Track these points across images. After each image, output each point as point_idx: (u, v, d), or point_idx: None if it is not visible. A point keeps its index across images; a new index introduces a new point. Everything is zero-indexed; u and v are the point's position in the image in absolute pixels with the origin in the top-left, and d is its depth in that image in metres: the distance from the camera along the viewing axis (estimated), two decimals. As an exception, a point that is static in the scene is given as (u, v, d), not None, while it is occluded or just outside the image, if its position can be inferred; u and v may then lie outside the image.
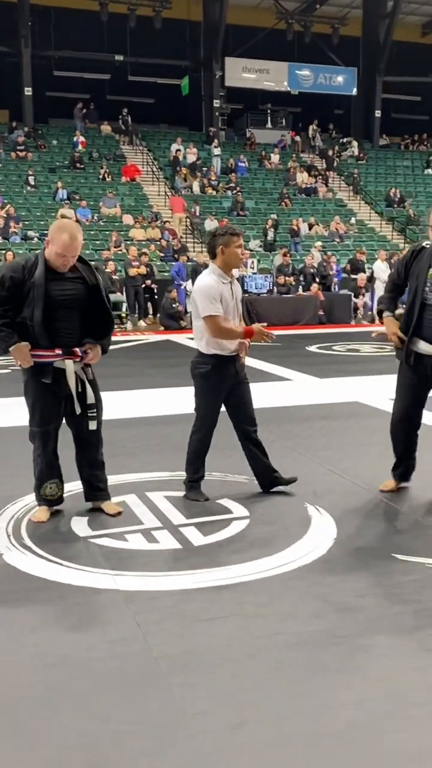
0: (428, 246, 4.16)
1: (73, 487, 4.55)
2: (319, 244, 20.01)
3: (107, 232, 20.13)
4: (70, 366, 3.90)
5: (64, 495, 4.17)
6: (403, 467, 4.48)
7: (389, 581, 3.25)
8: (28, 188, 22.22)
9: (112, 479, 4.66)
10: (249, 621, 2.92)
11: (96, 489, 4.15)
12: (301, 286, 17.16)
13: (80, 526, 3.94)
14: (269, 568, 3.40)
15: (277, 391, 7.88)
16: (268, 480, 4.45)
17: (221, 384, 4.29)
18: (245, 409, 4.38)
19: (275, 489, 4.45)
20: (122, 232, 20.28)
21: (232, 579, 3.29)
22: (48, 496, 4.06)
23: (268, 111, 29.56)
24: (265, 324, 4.30)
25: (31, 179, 22.29)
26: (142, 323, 15.97)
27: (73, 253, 3.83)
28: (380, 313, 4.45)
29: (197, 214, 22.10)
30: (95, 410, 4.05)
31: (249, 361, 9.76)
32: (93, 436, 4.10)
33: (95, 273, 4.04)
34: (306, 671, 2.58)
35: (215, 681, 2.52)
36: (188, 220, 22.03)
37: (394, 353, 4.43)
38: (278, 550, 3.60)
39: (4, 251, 18.08)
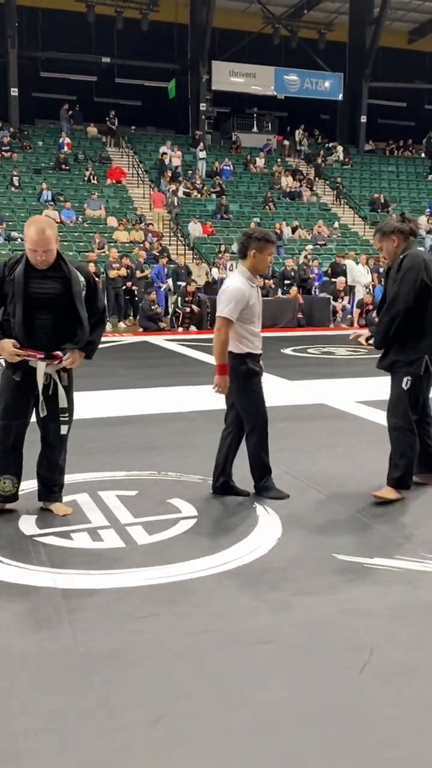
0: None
1: (27, 486, 4.56)
2: (309, 247, 20.13)
3: (91, 234, 20.13)
4: (40, 366, 3.89)
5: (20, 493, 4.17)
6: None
7: (324, 580, 3.28)
8: (13, 189, 22.19)
9: (66, 478, 4.68)
10: (181, 619, 2.94)
11: (50, 491, 4.15)
12: (280, 289, 17.22)
13: (28, 524, 3.95)
14: (209, 567, 3.42)
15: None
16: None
17: (259, 379, 4.41)
18: None
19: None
20: (106, 234, 20.29)
21: (170, 578, 3.31)
22: (0, 491, 4.06)
23: (255, 115, 29.67)
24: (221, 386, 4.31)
25: (15, 180, 22.26)
26: (121, 325, 15.98)
27: (44, 247, 3.79)
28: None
29: (176, 204, 22.23)
30: (67, 415, 4.03)
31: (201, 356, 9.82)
32: (59, 440, 4.07)
33: (78, 275, 3.94)
34: (230, 669, 2.60)
35: (138, 678, 2.54)
36: (170, 215, 22.14)
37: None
38: (220, 549, 3.62)
39: (-15, 251, 18.04)
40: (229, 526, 3.97)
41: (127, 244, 19.70)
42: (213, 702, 2.41)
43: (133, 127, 27.70)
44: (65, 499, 4.24)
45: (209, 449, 5.23)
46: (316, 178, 26.78)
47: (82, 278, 3.95)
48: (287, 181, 25.79)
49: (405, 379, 4.27)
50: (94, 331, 4.02)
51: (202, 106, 27.27)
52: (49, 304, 3.87)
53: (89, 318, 3.95)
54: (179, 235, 22.06)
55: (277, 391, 8.17)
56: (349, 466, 5.11)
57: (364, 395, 7.49)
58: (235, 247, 21.19)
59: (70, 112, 26.59)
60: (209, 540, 3.77)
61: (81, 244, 20.07)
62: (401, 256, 4.23)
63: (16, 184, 22.21)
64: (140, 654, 2.69)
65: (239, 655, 2.70)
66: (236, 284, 4.28)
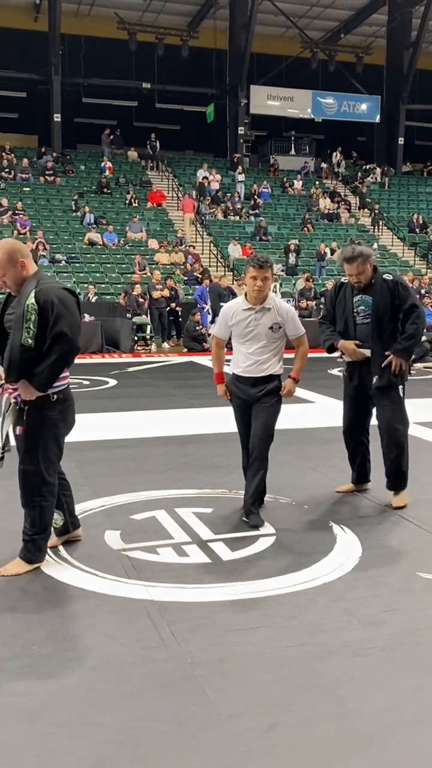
0: (345, 280, 4.76)
1: (106, 502, 4.71)
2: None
3: (133, 256, 20.47)
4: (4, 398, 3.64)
5: (95, 510, 4.30)
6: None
7: (412, 597, 3.36)
8: (56, 212, 22.68)
9: (144, 494, 4.83)
10: (278, 632, 3.05)
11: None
12: (322, 310, 17.32)
13: (113, 539, 4.09)
14: (295, 583, 3.52)
15: (298, 412, 8.00)
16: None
17: (235, 400, 4.61)
18: None
19: (299, 510, 4.58)
20: (147, 256, 20.61)
21: (259, 593, 3.41)
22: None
23: (292, 138, 29.96)
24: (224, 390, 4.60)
25: (58, 203, 22.75)
26: (166, 345, 16.20)
27: None
28: (332, 346, 4.85)
29: (203, 211, 22.60)
30: (2, 451, 3.60)
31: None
32: (19, 477, 3.64)
33: (27, 297, 3.49)
34: (335, 680, 2.70)
35: (247, 686, 2.65)
36: (197, 219, 22.51)
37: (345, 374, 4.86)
38: (304, 567, 3.72)
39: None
40: (309, 544, 4.06)
41: (168, 266, 20.00)
42: (323, 712, 2.50)
43: (168, 153, 28.12)
44: (142, 516, 4.38)
45: (275, 468, 5.34)
46: (354, 200, 26.91)
47: (30, 300, 3.47)
48: (325, 203, 25.98)
49: (401, 388, 4.68)
50: (42, 361, 3.48)
51: (240, 130, 27.65)
52: (9, 330, 3.58)
53: (41, 345, 3.49)
54: (219, 256, 22.32)
55: (331, 411, 8.25)
56: (413, 484, 5.17)
57: (422, 417, 7.54)
58: (274, 268, 21.43)
59: (111, 137, 27.13)
60: (292, 557, 3.86)
61: (123, 266, 20.41)
62: (384, 276, 4.62)
63: (60, 207, 22.70)
64: (244, 664, 2.80)
65: (339, 667, 2.79)
66: (227, 304, 4.72)
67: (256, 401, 4.44)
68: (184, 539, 4.09)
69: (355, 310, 4.67)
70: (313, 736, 2.38)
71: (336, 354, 4.95)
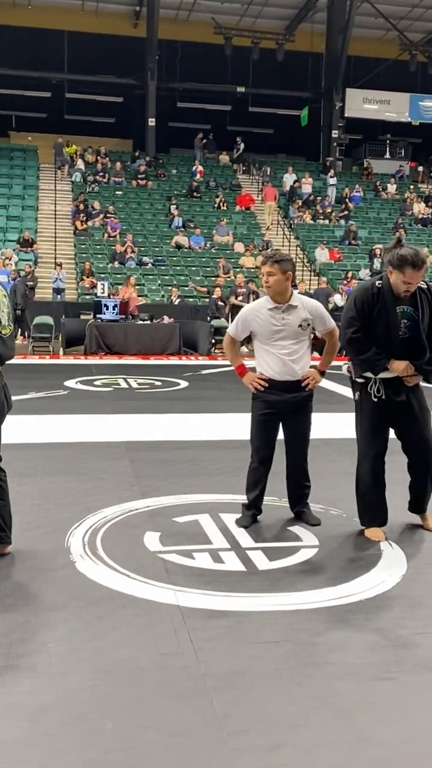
0: (380, 285, 4.03)
1: (152, 503, 4.70)
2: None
3: (218, 260, 20.55)
4: None
5: (139, 511, 4.29)
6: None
7: (451, 622, 3.17)
8: (147, 216, 23.05)
9: (190, 498, 4.80)
10: (300, 648, 2.93)
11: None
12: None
13: (152, 540, 4.06)
14: (330, 598, 3.38)
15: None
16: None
17: (261, 404, 4.42)
18: None
19: (350, 524, 4.43)
20: (232, 260, 20.65)
21: (290, 605, 3.30)
22: None
23: (387, 141, 29.38)
24: (264, 375, 4.31)
25: (149, 207, 23.12)
26: (244, 349, 16.14)
27: None
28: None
29: (291, 215, 22.37)
30: None
31: (338, 389, 9.76)
32: None
33: None
34: (352, 703, 2.56)
35: (258, 702, 2.55)
36: (278, 211, 22.33)
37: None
38: (342, 582, 3.57)
39: (120, 276, 18.80)
40: (351, 559, 3.91)
41: (252, 270, 19.96)
42: (334, 736, 2.37)
43: (260, 157, 28.07)
44: (185, 519, 4.33)
45: (330, 478, 5.20)
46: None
47: None
48: (419, 208, 25.33)
49: None
50: None
51: (335, 133, 27.34)
52: None
53: None
54: (305, 260, 22.11)
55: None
56: None
57: None
58: (362, 273, 21.02)
59: (204, 141, 27.35)
60: (330, 571, 3.72)
61: (208, 269, 20.53)
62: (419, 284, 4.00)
63: (150, 210, 23.06)
64: (259, 679, 2.70)
65: (359, 689, 2.65)
66: (248, 305, 4.54)
67: (291, 410, 4.32)
68: (222, 545, 4.02)
69: (399, 324, 4.05)
70: (319, 760, 2.26)
71: (344, 370, 4.43)
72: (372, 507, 4.26)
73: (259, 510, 4.45)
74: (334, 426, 6.66)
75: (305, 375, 4.31)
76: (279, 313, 4.26)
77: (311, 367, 4.40)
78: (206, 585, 3.49)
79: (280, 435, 4.43)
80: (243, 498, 4.57)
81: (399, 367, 4.05)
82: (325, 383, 11.16)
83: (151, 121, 26.24)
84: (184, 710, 2.50)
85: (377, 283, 4.05)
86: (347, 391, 9.86)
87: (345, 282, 19.18)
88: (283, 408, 4.31)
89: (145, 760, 2.24)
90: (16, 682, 2.62)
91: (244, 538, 4.15)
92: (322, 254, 21.62)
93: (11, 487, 3.94)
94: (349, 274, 19.88)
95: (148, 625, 3.09)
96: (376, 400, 4.13)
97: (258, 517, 4.45)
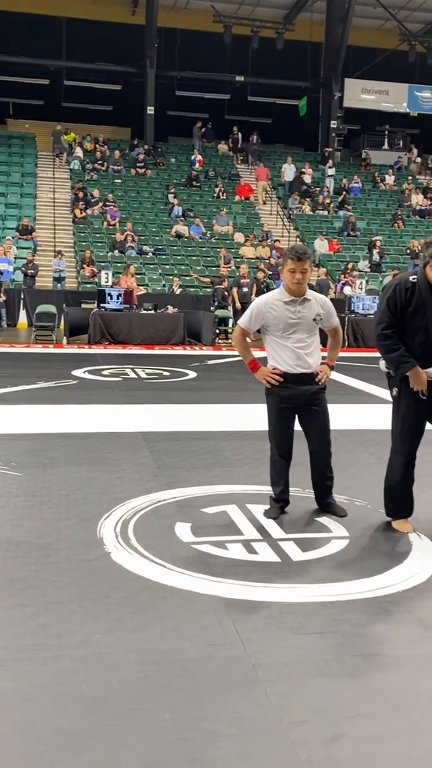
0: (414, 280, 3.97)
1: (178, 494, 4.70)
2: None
3: (218, 249, 20.50)
4: None
5: (167, 502, 4.28)
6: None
7: None
8: (146, 204, 22.94)
9: (216, 488, 4.80)
10: (346, 639, 2.94)
11: None
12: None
13: (184, 531, 4.06)
14: (367, 589, 3.40)
15: (379, 413, 7.80)
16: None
17: (277, 399, 4.40)
18: None
19: (375, 515, 4.44)
20: (232, 250, 20.60)
21: (329, 597, 3.31)
22: None
23: (386, 132, 29.33)
24: (277, 369, 4.30)
25: (148, 195, 23.01)
26: (248, 339, 16.13)
27: None
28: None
29: (290, 205, 22.41)
30: None
31: (354, 383, 9.80)
32: None
33: None
34: (404, 695, 2.58)
35: (311, 693, 2.56)
36: (268, 189, 22.33)
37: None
38: (376, 573, 3.59)
39: (120, 264, 18.73)
40: (383, 550, 3.92)
41: (252, 260, 19.93)
42: (392, 727, 2.39)
43: (258, 147, 27.96)
44: (213, 510, 4.34)
45: (352, 469, 5.21)
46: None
47: None
48: (417, 199, 25.33)
49: None
50: None
51: (333, 124, 27.27)
52: None
53: None
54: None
55: None
56: None
57: None
58: (361, 265, 21.02)
59: (203, 130, 27.23)
60: (364, 562, 3.74)
61: (208, 258, 20.47)
62: None
63: (149, 199, 22.95)
64: (309, 670, 2.71)
65: (410, 680, 2.67)
66: (260, 297, 4.47)
67: (307, 403, 4.33)
68: (254, 536, 4.03)
69: None
70: (379, 752, 2.27)
71: (381, 366, 4.31)
72: (399, 500, 4.27)
73: (287, 502, 4.46)
74: (346, 417, 6.68)
75: (317, 370, 4.34)
76: (295, 306, 4.28)
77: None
78: (243, 576, 3.50)
79: (298, 426, 4.44)
80: (267, 489, 4.58)
81: (421, 377, 3.96)
82: (333, 375, 11.21)
83: (150, 110, 26.09)
84: (238, 701, 2.51)
85: (411, 278, 4.01)
86: (355, 383, 9.93)
87: (346, 273, 19.20)
88: (298, 401, 4.34)
89: (207, 751, 2.25)
90: (71, 672, 2.63)
91: (274, 529, 4.16)
92: (321, 245, 21.61)
93: (37, 476, 3.93)
94: (349, 266, 19.89)
95: (193, 616, 3.10)
96: (424, 398, 4.02)
97: (285, 508, 4.46)
